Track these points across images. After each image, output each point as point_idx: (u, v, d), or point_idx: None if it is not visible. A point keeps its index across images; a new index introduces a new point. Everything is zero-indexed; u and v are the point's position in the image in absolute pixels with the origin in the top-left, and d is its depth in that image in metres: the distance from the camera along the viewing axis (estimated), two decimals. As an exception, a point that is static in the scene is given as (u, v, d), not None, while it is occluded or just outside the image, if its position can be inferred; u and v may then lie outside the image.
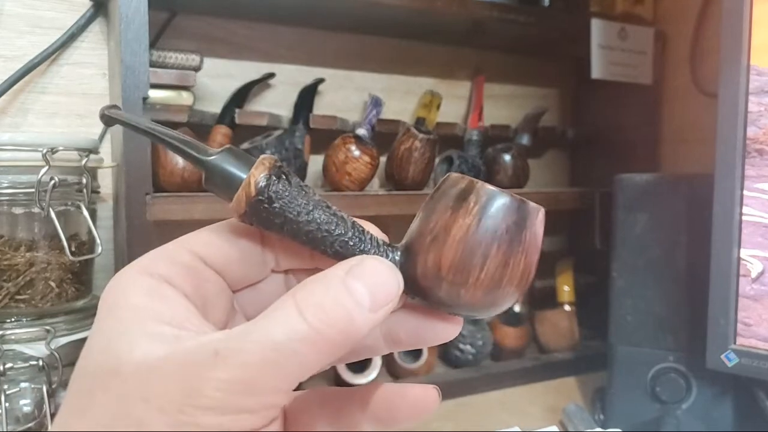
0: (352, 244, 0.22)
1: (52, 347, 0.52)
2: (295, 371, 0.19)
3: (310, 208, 0.22)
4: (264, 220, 0.22)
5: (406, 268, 0.22)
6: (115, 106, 0.23)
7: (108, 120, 0.23)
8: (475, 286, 0.21)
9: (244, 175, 0.21)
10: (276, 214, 0.21)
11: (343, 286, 0.20)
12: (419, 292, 0.23)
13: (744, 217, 0.53)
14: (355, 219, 0.23)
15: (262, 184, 0.21)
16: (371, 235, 0.23)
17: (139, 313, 0.20)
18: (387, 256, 0.23)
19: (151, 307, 0.20)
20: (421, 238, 0.22)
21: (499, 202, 0.21)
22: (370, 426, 0.24)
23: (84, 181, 0.55)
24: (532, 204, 0.22)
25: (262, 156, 0.22)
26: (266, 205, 0.21)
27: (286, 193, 0.21)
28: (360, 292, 0.20)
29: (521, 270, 0.22)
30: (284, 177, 0.22)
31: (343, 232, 0.22)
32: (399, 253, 0.23)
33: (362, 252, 0.22)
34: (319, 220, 0.22)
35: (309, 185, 0.23)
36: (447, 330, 0.24)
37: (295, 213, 0.22)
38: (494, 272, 0.21)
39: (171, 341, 0.19)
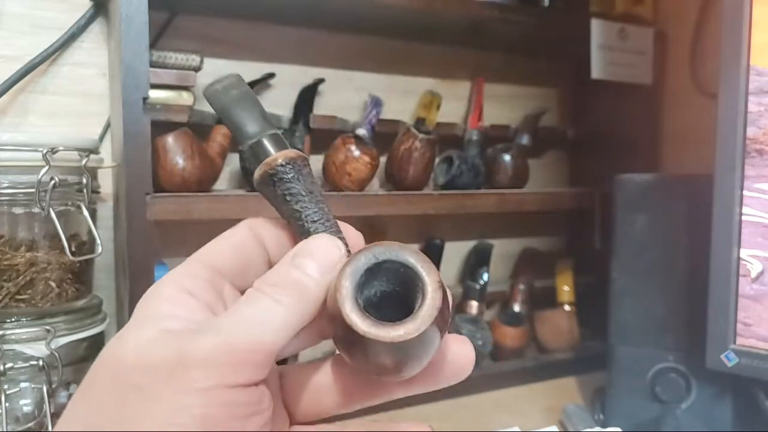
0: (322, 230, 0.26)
1: (52, 347, 0.52)
2: (269, 335, 0.23)
3: (308, 202, 0.26)
4: (270, 192, 0.26)
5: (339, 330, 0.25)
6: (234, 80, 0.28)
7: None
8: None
9: (272, 154, 0.26)
10: (281, 193, 0.26)
11: (290, 264, 0.25)
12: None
13: (744, 217, 0.53)
14: (337, 221, 0.27)
15: (278, 164, 0.26)
16: (341, 231, 0.27)
17: (158, 316, 0.23)
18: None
19: (170, 311, 0.23)
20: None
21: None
22: None
23: (84, 181, 0.55)
24: None
25: (292, 149, 0.27)
26: (276, 180, 0.26)
27: (294, 179, 0.26)
28: (305, 263, 0.24)
29: None
30: (300, 166, 0.26)
31: (323, 224, 0.26)
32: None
33: None
34: (311, 211, 0.26)
35: (318, 184, 0.27)
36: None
37: (295, 200, 0.26)
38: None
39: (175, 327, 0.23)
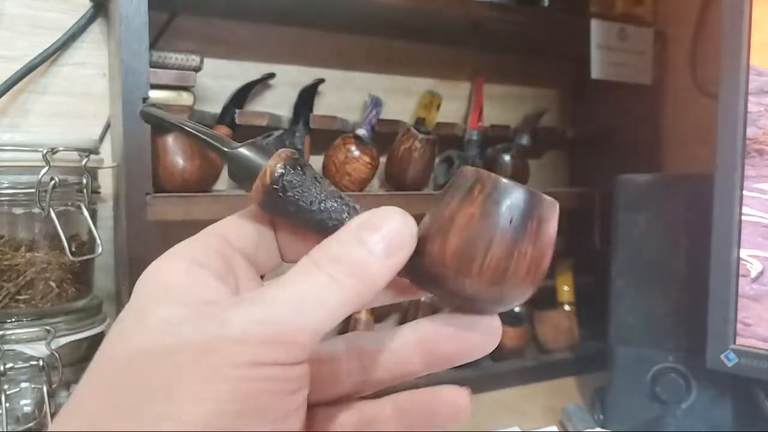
0: None
1: (53, 347, 0.52)
2: (320, 316, 0.20)
3: (323, 197, 0.23)
4: (279, 208, 0.23)
5: (416, 258, 0.22)
6: (152, 105, 0.26)
7: (147, 117, 0.26)
8: (480, 275, 0.21)
9: (263, 165, 0.23)
10: (290, 203, 0.23)
11: (355, 238, 0.21)
12: (428, 282, 0.23)
13: (744, 217, 0.53)
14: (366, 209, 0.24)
15: (278, 174, 0.23)
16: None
17: (170, 290, 0.21)
18: None
19: (181, 284, 0.21)
20: (429, 229, 0.22)
21: (504, 192, 0.21)
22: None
23: (84, 181, 0.55)
24: (542, 196, 0.22)
25: (280, 149, 0.24)
26: (281, 194, 0.23)
27: (300, 183, 0.23)
28: (372, 240, 0.21)
29: (528, 261, 0.21)
30: (299, 168, 0.23)
31: (356, 208, 0.23)
32: None
33: None
34: (330, 209, 0.23)
35: (323, 177, 0.24)
36: (484, 342, 0.24)
37: (308, 202, 0.23)
38: (498, 262, 0.21)
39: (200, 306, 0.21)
